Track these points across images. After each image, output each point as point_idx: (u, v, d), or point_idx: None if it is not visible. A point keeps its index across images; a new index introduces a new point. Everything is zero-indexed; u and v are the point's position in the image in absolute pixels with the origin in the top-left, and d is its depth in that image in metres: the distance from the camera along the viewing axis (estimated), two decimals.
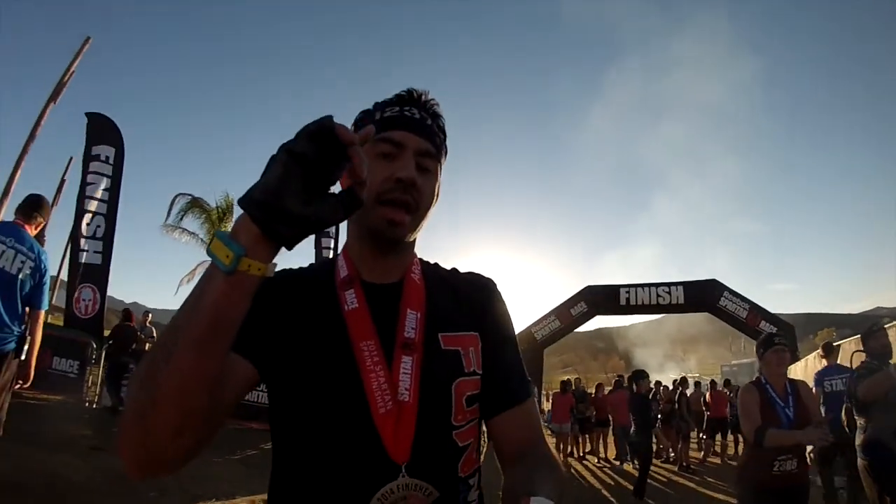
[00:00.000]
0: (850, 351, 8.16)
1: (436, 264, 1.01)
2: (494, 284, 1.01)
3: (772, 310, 16.42)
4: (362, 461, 0.75)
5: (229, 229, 0.62)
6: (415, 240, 0.94)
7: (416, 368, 0.81)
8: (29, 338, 3.32)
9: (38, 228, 3.52)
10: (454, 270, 1.01)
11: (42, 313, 3.41)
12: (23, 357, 3.28)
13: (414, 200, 0.85)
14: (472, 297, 0.94)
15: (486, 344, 0.90)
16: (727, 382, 13.20)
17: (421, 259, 0.99)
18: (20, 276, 3.20)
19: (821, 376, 5.60)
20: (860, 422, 3.47)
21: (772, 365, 2.98)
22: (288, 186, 0.57)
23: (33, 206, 3.48)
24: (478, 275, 1.01)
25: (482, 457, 0.94)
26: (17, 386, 3.35)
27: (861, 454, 3.43)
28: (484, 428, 0.92)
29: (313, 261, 1.28)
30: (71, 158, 11.22)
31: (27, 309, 3.31)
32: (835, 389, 5.34)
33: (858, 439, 3.47)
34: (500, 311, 0.97)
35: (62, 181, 11.03)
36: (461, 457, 0.82)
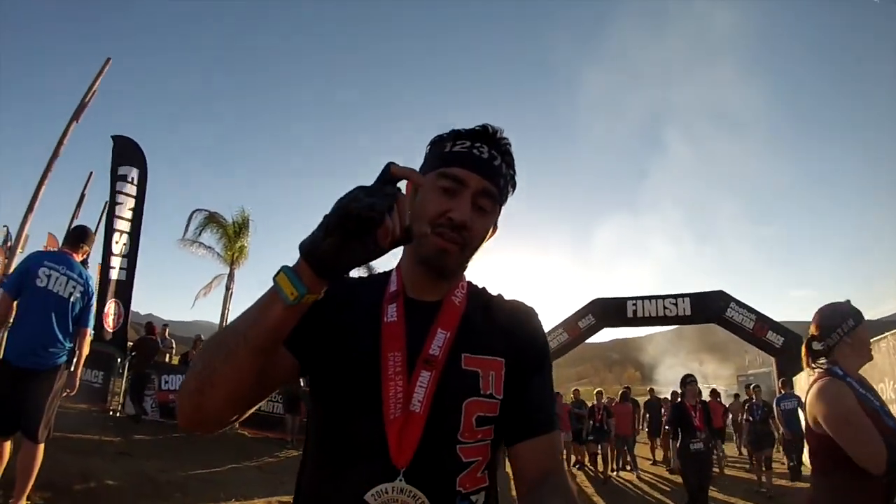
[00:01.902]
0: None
1: (483, 288, 1.04)
2: (534, 313, 1.01)
3: (792, 317, 16.29)
4: (367, 459, 0.82)
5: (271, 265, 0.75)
6: (466, 266, 0.96)
7: (432, 383, 0.85)
8: (77, 352, 3.73)
9: (84, 256, 3.98)
10: (499, 296, 1.03)
11: (88, 331, 3.83)
12: (71, 369, 3.70)
13: (463, 239, 0.88)
14: (507, 324, 0.96)
15: (512, 370, 0.91)
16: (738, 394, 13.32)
17: (470, 282, 1.02)
18: (71, 300, 3.63)
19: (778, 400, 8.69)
20: None
21: (864, 345, 2.04)
22: (344, 253, 0.68)
23: (79, 237, 3.95)
24: (519, 303, 1.03)
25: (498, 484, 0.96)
26: (66, 394, 3.77)
27: None
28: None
29: None
30: (91, 174, 11.68)
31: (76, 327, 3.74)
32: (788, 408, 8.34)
33: None
34: (534, 340, 0.98)
35: (82, 196, 11.50)
36: (463, 471, 0.84)
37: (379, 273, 1.02)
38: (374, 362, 0.85)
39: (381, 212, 0.66)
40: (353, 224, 0.65)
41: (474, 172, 0.89)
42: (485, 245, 0.95)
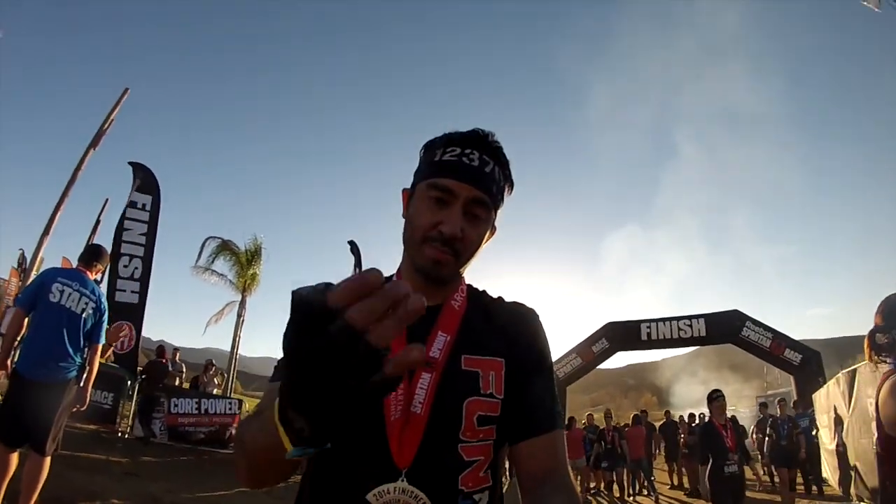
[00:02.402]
0: (867, 374, 8.16)
1: (483, 291, 1.04)
2: (535, 315, 1.01)
3: (808, 336, 15.98)
4: (369, 460, 0.82)
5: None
6: (464, 270, 0.97)
7: (432, 385, 0.85)
8: (88, 367, 3.78)
9: (97, 273, 4.07)
10: (499, 298, 1.04)
11: (99, 346, 3.88)
12: (81, 384, 3.74)
13: (455, 251, 0.89)
14: (507, 325, 0.96)
15: (512, 370, 0.91)
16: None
17: (469, 285, 1.02)
18: (84, 315, 3.70)
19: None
20: None
21: None
22: (335, 414, 0.51)
23: (93, 255, 4.05)
24: (520, 304, 1.03)
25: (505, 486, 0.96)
26: (76, 409, 3.79)
27: None
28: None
29: None
30: (107, 200, 12.01)
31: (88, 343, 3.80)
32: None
33: None
34: (534, 339, 0.97)
35: (97, 221, 11.80)
36: (465, 470, 0.85)
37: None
38: None
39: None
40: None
41: (465, 182, 0.89)
42: (484, 247, 0.96)
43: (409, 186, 0.99)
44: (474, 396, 0.87)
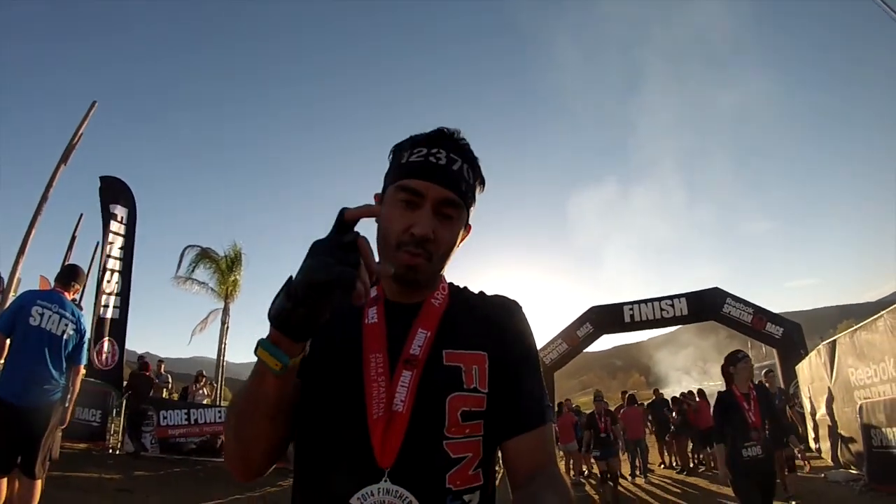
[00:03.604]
0: (847, 344, 8.43)
1: (465, 288, 1.03)
2: (517, 307, 1.00)
3: (792, 307, 16.36)
4: (351, 461, 0.82)
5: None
6: (442, 268, 0.96)
7: (413, 382, 0.84)
8: (70, 388, 3.76)
9: (75, 294, 4.04)
10: (481, 293, 1.03)
11: (81, 367, 3.87)
12: (66, 405, 3.72)
13: (428, 252, 0.88)
14: (488, 318, 0.95)
15: (496, 364, 0.90)
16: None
17: (451, 283, 1.02)
18: (64, 337, 3.68)
19: None
20: None
21: None
22: (312, 315, 0.68)
23: (70, 276, 4.01)
24: (502, 297, 1.02)
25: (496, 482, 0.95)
26: (60, 428, 3.77)
27: None
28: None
29: None
30: (81, 216, 11.74)
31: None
32: None
33: None
34: (517, 332, 0.96)
35: (73, 237, 11.55)
36: (451, 468, 0.83)
37: None
38: (357, 364, 0.86)
39: (350, 279, 0.65)
40: (321, 294, 0.65)
41: (432, 182, 0.88)
42: (460, 245, 0.96)
43: (380, 191, 0.98)
44: (457, 391, 0.85)
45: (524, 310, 1.00)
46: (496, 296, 1.02)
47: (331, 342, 0.89)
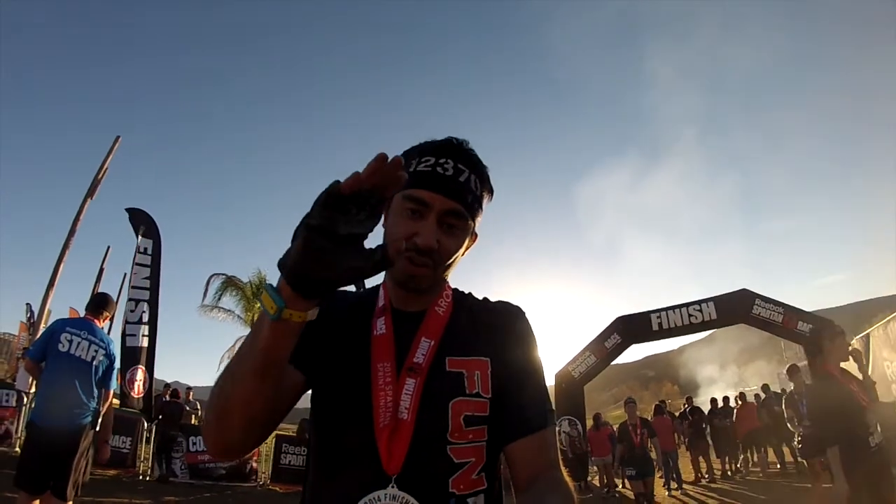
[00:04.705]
0: (881, 336, 8.11)
1: (469, 294, 1.05)
2: (520, 312, 1.01)
3: (825, 305, 15.75)
4: (359, 468, 0.84)
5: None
6: (446, 275, 0.97)
7: (417, 389, 0.87)
8: (103, 415, 3.87)
9: (105, 321, 4.18)
10: (485, 300, 1.04)
11: (111, 392, 3.99)
12: (97, 429, 3.82)
13: (433, 261, 0.89)
14: (491, 324, 0.97)
15: (498, 369, 0.92)
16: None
17: (455, 289, 1.03)
18: (94, 363, 3.81)
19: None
20: None
21: None
22: (310, 258, 0.64)
23: (100, 304, 4.17)
24: (505, 303, 1.03)
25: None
26: (99, 461, 3.97)
27: None
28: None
29: None
30: (108, 248, 12.18)
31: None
32: None
33: None
34: (519, 337, 0.97)
35: (101, 269, 11.96)
36: (455, 473, 0.85)
37: (370, 288, 1.05)
38: (366, 374, 0.89)
39: (348, 181, 0.63)
40: (319, 208, 0.63)
41: (438, 193, 0.90)
42: (464, 255, 0.98)
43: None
44: (460, 397, 0.87)
45: (527, 315, 1.02)
46: (499, 302, 1.04)
47: (341, 351, 0.91)
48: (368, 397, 0.87)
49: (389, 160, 0.63)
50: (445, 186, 0.90)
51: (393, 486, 0.81)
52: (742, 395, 12.35)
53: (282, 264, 0.68)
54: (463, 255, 0.97)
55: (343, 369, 0.90)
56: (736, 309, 16.35)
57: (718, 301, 16.65)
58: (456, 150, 0.94)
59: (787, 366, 9.08)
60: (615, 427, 9.45)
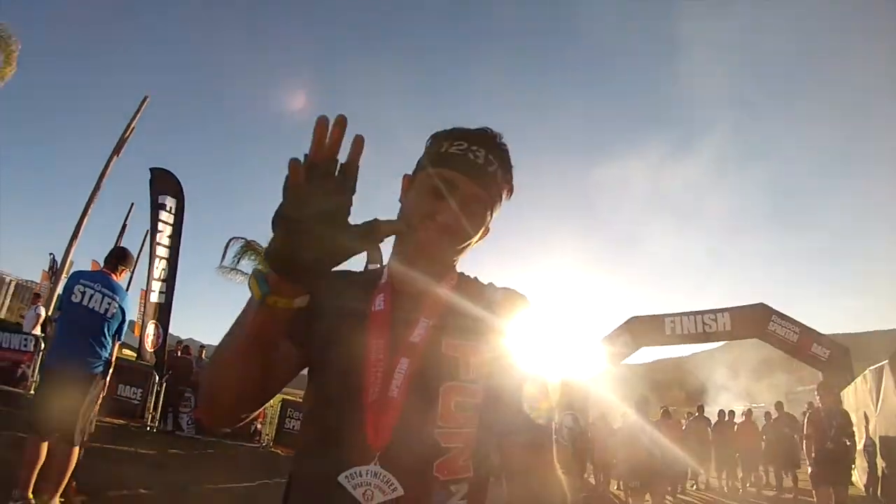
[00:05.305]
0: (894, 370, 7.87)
1: (475, 279, 1.04)
2: (524, 301, 1.00)
3: (844, 330, 15.42)
4: (345, 442, 0.84)
5: None
6: (455, 261, 0.98)
7: (410, 369, 0.86)
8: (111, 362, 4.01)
9: (123, 274, 4.29)
10: (490, 285, 1.02)
11: (119, 343, 4.10)
12: (107, 379, 3.97)
13: (449, 240, 0.91)
14: (493, 311, 0.95)
15: (496, 357, 0.91)
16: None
17: (461, 273, 1.03)
18: (107, 315, 3.92)
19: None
20: None
21: None
22: (286, 242, 0.66)
23: (117, 258, 4.26)
24: (510, 290, 1.01)
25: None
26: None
27: None
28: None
29: None
30: (132, 204, 12.44)
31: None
32: None
33: None
34: (521, 327, 0.96)
35: (124, 225, 12.26)
36: (441, 457, 0.84)
37: (374, 269, 1.04)
38: (361, 349, 0.88)
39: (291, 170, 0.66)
40: (283, 197, 0.66)
41: (467, 177, 0.90)
42: (476, 246, 0.98)
43: (410, 173, 1.00)
44: (452, 381, 0.87)
45: (531, 304, 1.00)
46: (504, 289, 1.01)
47: (338, 325, 0.91)
48: (361, 373, 0.87)
49: (331, 123, 0.65)
50: (475, 171, 0.91)
51: (376, 463, 0.81)
52: (749, 412, 12.10)
53: (266, 254, 0.69)
54: (475, 244, 0.98)
55: (339, 343, 0.89)
56: (752, 323, 16.08)
57: (734, 313, 16.39)
58: (490, 142, 0.94)
59: (820, 381, 8.26)
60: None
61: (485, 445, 0.90)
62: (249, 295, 0.75)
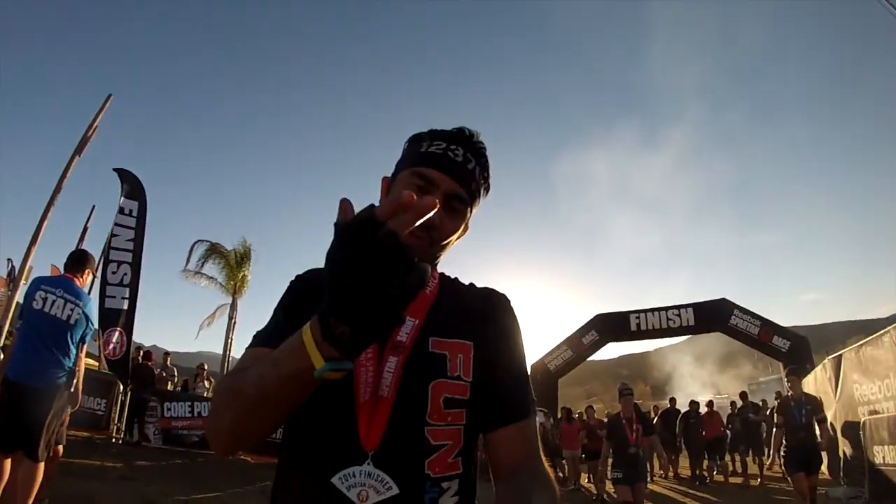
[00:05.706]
0: (852, 359, 8.33)
1: (455, 279, 1.06)
2: (505, 300, 1.03)
3: (801, 322, 16.12)
4: (337, 443, 0.83)
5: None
6: (437, 259, 0.98)
7: (399, 368, 0.86)
8: (77, 372, 3.82)
9: (87, 279, 4.10)
10: (471, 285, 1.05)
11: (84, 349, 3.91)
12: (72, 389, 3.79)
13: (430, 238, 0.90)
14: (476, 309, 0.97)
15: (481, 354, 0.92)
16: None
17: (442, 273, 1.04)
18: (70, 321, 3.74)
19: None
20: None
21: None
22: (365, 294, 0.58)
23: (78, 261, 4.07)
24: (491, 290, 1.04)
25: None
26: (69, 410, 3.86)
27: None
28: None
29: None
30: (93, 207, 11.97)
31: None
32: None
33: None
34: (504, 324, 0.99)
35: (85, 229, 11.77)
36: (431, 455, 0.84)
37: None
38: None
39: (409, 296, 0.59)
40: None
41: (447, 175, 0.92)
42: (455, 243, 0.99)
43: (388, 175, 1.01)
44: (440, 378, 0.87)
45: (512, 303, 1.03)
46: (486, 288, 1.04)
47: None
48: (350, 373, 0.83)
49: (421, 202, 0.60)
50: (454, 169, 0.93)
51: (369, 464, 0.81)
52: (710, 403, 12.55)
53: (338, 305, 0.60)
54: (455, 243, 0.98)
55: None
56: (714, 317, 16.73)
57: (697, 308, 17.02)
58: (467, 140, 0.97)
59: (789, 368, 8.40)
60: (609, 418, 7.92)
61: (472, 441, 0.91)
62: (294, 342, 0.68)
